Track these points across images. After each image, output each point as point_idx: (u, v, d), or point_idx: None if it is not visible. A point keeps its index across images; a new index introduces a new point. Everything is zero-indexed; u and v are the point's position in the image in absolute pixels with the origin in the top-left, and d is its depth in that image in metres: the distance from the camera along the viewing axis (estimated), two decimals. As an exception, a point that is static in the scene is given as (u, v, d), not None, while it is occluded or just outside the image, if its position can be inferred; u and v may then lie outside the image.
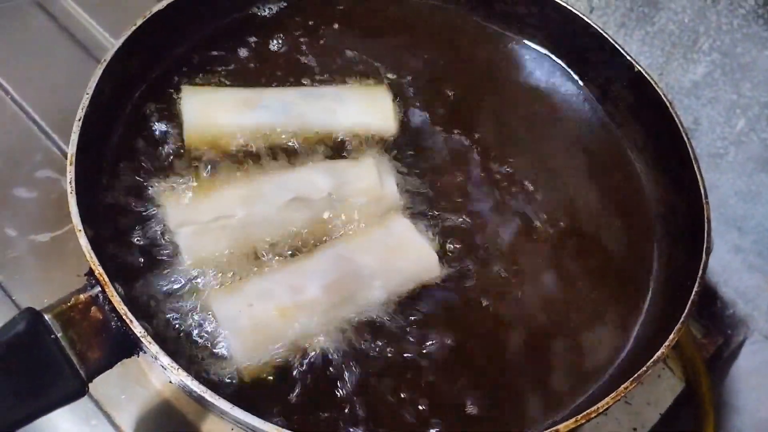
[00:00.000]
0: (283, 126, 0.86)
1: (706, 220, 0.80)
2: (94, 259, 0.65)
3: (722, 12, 1.05)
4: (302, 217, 0.80)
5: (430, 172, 0.88)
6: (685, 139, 0.87)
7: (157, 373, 0.86)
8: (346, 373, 0.71)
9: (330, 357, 0.72)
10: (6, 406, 0.60)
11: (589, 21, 0.98)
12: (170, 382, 0.66)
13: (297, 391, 0.69)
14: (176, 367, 0.62)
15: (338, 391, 0.70)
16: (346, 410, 0.69)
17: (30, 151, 1.02)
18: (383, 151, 0.88)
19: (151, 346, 0.62)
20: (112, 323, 0.65)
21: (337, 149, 0.87)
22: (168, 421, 0.85)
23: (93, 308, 0.65)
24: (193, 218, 0.77)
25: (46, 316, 0.63)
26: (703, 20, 1.08)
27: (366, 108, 0.90)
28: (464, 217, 0.85)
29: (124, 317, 0.63)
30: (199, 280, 0.74)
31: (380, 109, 0.91)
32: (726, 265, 1.22)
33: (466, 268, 0.80)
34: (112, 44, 1.13)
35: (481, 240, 0.83)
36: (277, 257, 0.77)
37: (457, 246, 0.82)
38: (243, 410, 0.61)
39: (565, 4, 1.00)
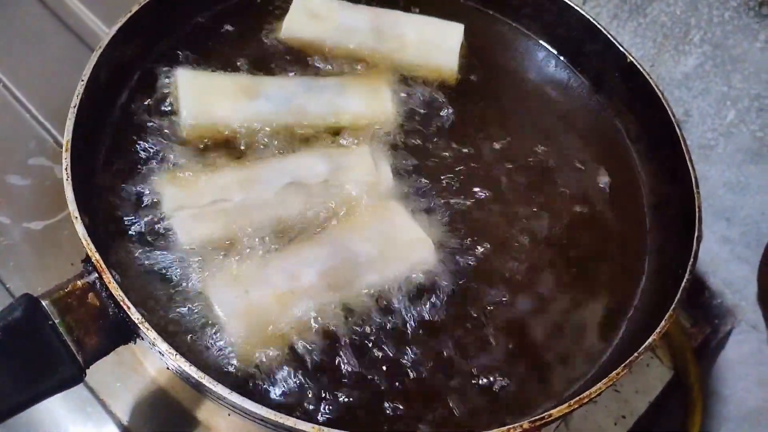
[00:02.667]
0: (283, 116, 0.87)
1: (697, 209, 0.81)
2: (91, 246, 0.65)
3: (714, 4, 1.06)
4: (299, 202, 0.80)
5: (425, 160, 0.88)
6: (677, 130, 0.87)
7: (152, 361, 0.86)
8: (342, 357, 0.72)
9: (326, 342, 0.72)
10: (3, 391, 0.61)
11: (582, 12, 0.99)
12: (167, 368, 0.67)
13: (294, 375, 0.70)
14: (174, 353, 0.62)
15: (335, 375, 0.71)
16: (343, 394, 0.70)
17: (23, 138, 1.02)
18: (381, 140, 0.88)
19: (149, 333, 0.62)
20: (110, 309, 0.66)
21: (335, 139, 0.87)
22: (163, 408, 0.85)
23: (90, 294, 0.65)
24: (190, 202, 0.77)
25: (44, 302, 0.63)
26: (694, 12, 1.09)
27: (366, 99, 0.90)
28: (461, 204, 0.85)
29: (121, 303, 0.63)
30: (195, 265, 0.74)
31: (379, 100, 0.91)
32: (714, 256, 1.23)
33: (462, 254, 0.81)
34: (104, 31, 1.14)
35: (477, 226, 0.84)
36: (273, 242, 0.77)
37: (454, 232, 0.82)
38: (240, 395, 0.61)
39: (558, -5, 1.00)
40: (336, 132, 0.88)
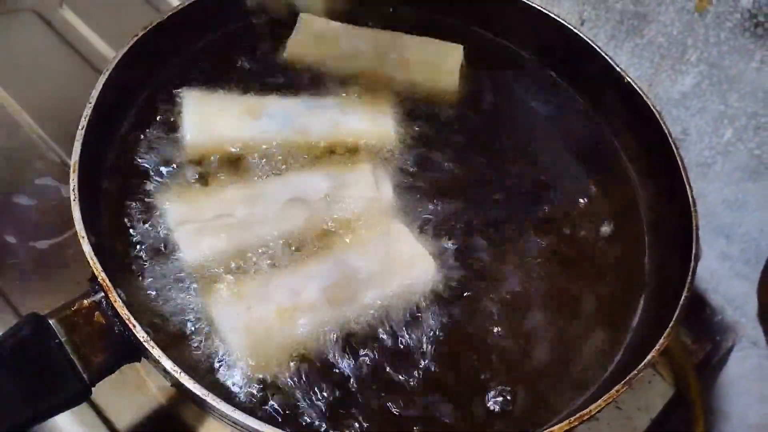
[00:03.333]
0: (286, 135, 0.88)
1: (694, 227, 0.81)
2: (98, 265, 0.66)
3: (710, 25, 1.08)
4: (301, 218, 0.81)
5: (426, 177, 0.89)
6: (674, 149, 0.88)
7: (155, 378, 0.87)
8: (346, 374, 0.72)
9: (329, 359, 0.73)
10: (10, 409, 0.61)
11: (579, 33, 1.00)
12: (171, 386, 0.67)
13: (296, 391, 0.70)
14: (178, 370, 0.62)
15: (338, 392, 0.71)
16: (347, 411, 0.70)
17: (30, 158, 1.03)
18: (382, 157, 0.89)
19: (154, 351, 0.63)
20: (115, 328, 0.66)
21: (337, 158, 0.88)
22: (166, 426, 0.86)
23: (96, 313, 0.66)
24: (193, 217, 0.78)
25: (51, 321, 0.64)
26: (691, 33, 1.11)
27: (367, 118, 0.92)
28: (461, 220, 0.86)
29: (127, 322, 0.64)
30: (199, 280, 0.75)
31: (381, 119, 0.92)
32: (714, 273, 1.24)
33: (463, 272, 0.82)
34: (109, 53, 1.16)
35: (477, 245, 0.85)
36: (276, 258, 0.78)
37: (454, 250, 0.83)
38: (243, 413, 0.62)
39: (555, 17, 1.01)
40: (338, 150, 0.89)
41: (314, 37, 0.99)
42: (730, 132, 1.12)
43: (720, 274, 1.23)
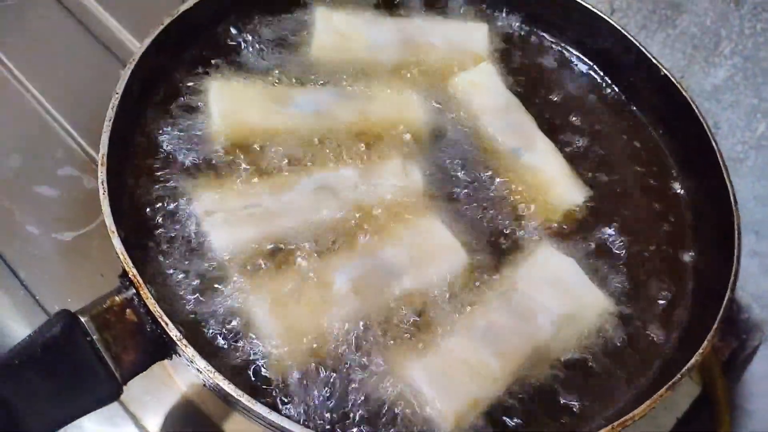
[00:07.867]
0: (314, 124, 0.86)
1: (736, 225, 0.79)
2: (129, 261, 0.65)
3: (745, 16, 1.05)
4: (330, 208, 0.79)
5: (456, 165, 0.87)
6: (713, 143, 0.86)
7: (182, 374, 0.86)
8: (377, 367, 0.70)
9: (361, 354, 0.71)
10: (43, 408, 0.60)
11: (612, 22, 0.98)
12: (204, 385, 0.66)
13: (329, 387, 0.69)
14: (213, 371, 0.61)
15: (370, 389, 0.69)
16: (380, 406, 0.69)
17: (52, 148, 1.02)
18: (411, 145, 0.87)
19: (187, 350, 0.62)
20: (147, 326, 0.65)
21: (366, 147, 0.86)
22: (193, 422, 0.85)
23: (128, 310, 0.64)
24: (222, 207, 0.77)
25: (82, 319, 0.62)
26: (725, 24, 1.08)
27: (396, 105, 0.90)
28: (492, 209, 0.84)
29: (159, 320, 0.62)
30: (228, 273, 0.73)
31: (409, 106, 0.91)
32: (743, 270, 1.21)
33: (494, 262, 0.80)
34: (131, 41, 1.14)
35: (508, 234, 0.83)
36: (305, 250, 0.76)
37: (485, 238, 0.82)
38: (279, 414, 0.61)
39: (587, 5, 0.99)
40: (366, 139, 0.87)
41: (337, 33, 0.97)
42: (763, 126, 1.10)
43: (748, 272, 1.21)
